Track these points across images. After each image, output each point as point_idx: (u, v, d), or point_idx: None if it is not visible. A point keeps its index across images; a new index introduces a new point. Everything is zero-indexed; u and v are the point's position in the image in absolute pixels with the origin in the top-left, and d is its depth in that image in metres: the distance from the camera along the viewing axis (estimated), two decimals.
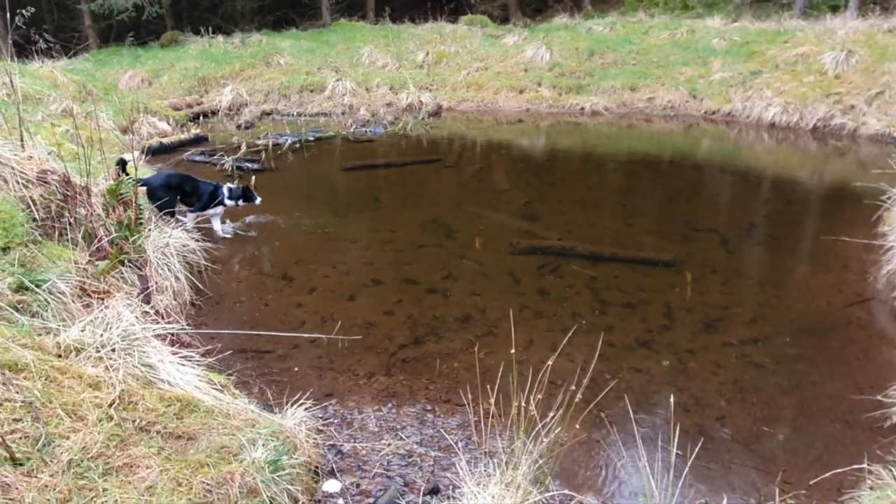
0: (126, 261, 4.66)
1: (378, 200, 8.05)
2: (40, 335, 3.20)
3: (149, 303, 4.38)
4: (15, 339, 2.96)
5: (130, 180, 5.31)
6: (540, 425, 2.83)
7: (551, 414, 2.83)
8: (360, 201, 8.09)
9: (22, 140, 5.21)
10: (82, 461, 2.43)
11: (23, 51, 11.59)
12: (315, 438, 3.37)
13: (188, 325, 4.54)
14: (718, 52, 14.03)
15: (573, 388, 2.86)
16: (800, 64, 12.65)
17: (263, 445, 2.87)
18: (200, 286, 5.24)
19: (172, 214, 6.10)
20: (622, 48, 15.05)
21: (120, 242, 4.71)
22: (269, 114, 13.22)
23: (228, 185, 6.56)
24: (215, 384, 3.47)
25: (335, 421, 3.74)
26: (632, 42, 15.30)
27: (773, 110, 11.82)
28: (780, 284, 5.60)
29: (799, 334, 4.76)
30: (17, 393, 2.59)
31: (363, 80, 14.37)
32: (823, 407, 3.93)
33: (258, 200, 6.61)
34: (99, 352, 3.13)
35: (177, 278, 4.98)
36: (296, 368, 4.27)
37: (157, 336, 3.68)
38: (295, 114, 13.20)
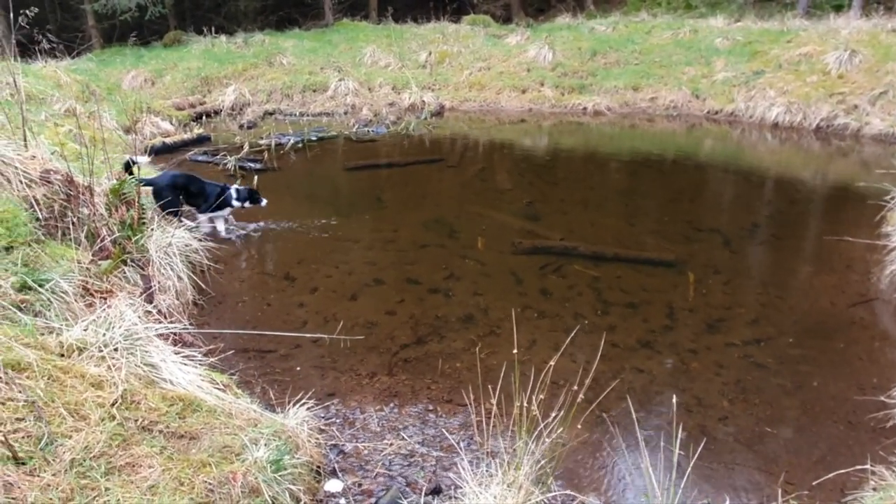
0: (129, 260, 4.66)
1: (380, 200, 8.05)
2: (43, 334, 3.21)
3: (151, 302, 4.39)
4: (18, 338, 2.96)
5: (134, 180, 5.32)
6: (542, 425, 2.83)
7: (553, 414, 2.83)
8: (363, 201, 8.09)
9: (25, 140, 5.22)
10: (84, 460, 2.44)
11: (26, 51, 11.63)
12: (317, 438, 3.37)
13: (190, 324, 4.54)
14: (721, 51, 14.01)
15: (575, 388, 2.86)
16: (803, 64, 12.62)
17: (265, 445, 2.88)
18: (203, 286, 5.24)
19: (177, 215, 6.10)
20: (625, 48, 15.04)
21: (123, 242, 4.72)
22: (271, 113, 13.24)
23: (235, 186, 6.56)
24: (217, 384, 3.47)
25: (337, 421, 3.74)
26: (634, 42, 15.28)
27: (776, 110, 11.80)
28: (783, 285, 5.59)
29: (802, 335, 4.75)
30: (20, 392, 2.59)
31: (366, 79, 14.38)
32: (826, 408, 3.92)
33: (264, 202, 6.62)
34: (101, 351, 3.13)
35: (179, 278, 4.99)
36: (298, 368, 4.28)
37: (160, 335, 3.69)
38: (297, 114, 13.21)
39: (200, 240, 5.57)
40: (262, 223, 6.79)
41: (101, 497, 2.33)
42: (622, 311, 5.07)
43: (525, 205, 7.70)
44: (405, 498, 3.09)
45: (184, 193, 6.23)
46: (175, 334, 3.97)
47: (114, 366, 3.05)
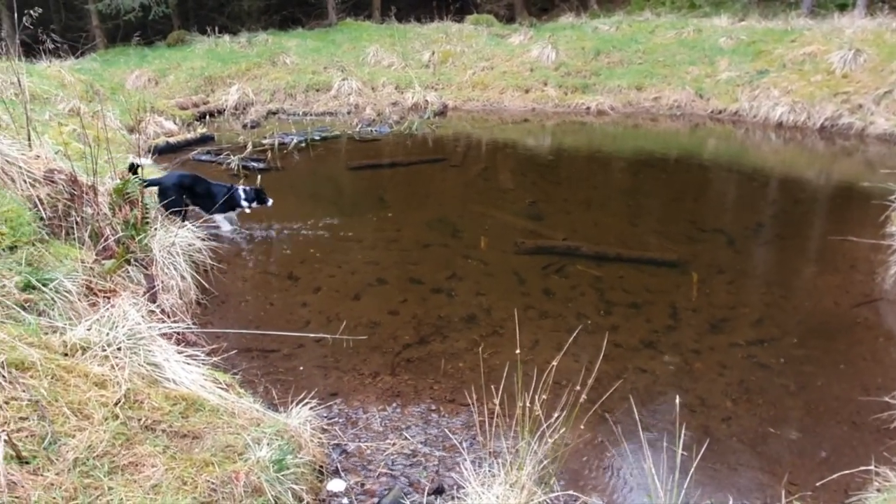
0: (132, 260, 4.68)
1: (383, 200, 8.05)
2: (47, 334, 3.21)
3: (154, 302, 4.40)
4: (21, 337, 2.97)
5: (137, 180, 5.33)
6: (545, 425, 2.83)
7: (556, 414, 2.82)
8: (366, 201, 8.09)
9: (29, 139, 5.24)
10: (88, 459, 2.44)
11: (31, 50, 11.67)
12: (320, 438, 3.38)
13: (194, 324, 4.55)
14: (725, 51, 13.97)
15: (578, 388, 2.86)
16: (807, 63, 12.58)
17: (268, 444, 2.88)
18: (206, 285, 5.25)
19: (183, 215, 6.10)
20: (628, 47, 15.01)
21: (126, 241, 4.73)
22: (274, 113, 13.25)
23: (243, 186, 6.56)
24: (220, 383, 3.48)
25: (340, 420, 3.74)
26: (638, 41, 15.25)
27: (780, 110, 11.76)
28: (787, 285, 5.57)
29: (806, 335, 4.73)
30: (24, 391, 2.60)
31: (369, 79, 14.38)
32: (830, 408, 3.91)
33: (270, 202, 6.63)
34: (105, 350, 3.14)
35: (182, 277, 5.00)
36: (301, 368, 4.28)
37: (163, 335, 3.69)
38: (301, 113, 13.22)
39: (203, 239, 5.57)
40: (264, 223, 6.79)
41: (105, 496, 2.33)
42: (625, 311, 5.06)
43: (528, 204, 7.69)
44: (408, 498, 3.09)
45: (190, 194, 6.23)
46: (178, 334, 3.98)
47: (117, 365, 3.05)
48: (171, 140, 10.36)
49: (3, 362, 2.65)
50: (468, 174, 9.23)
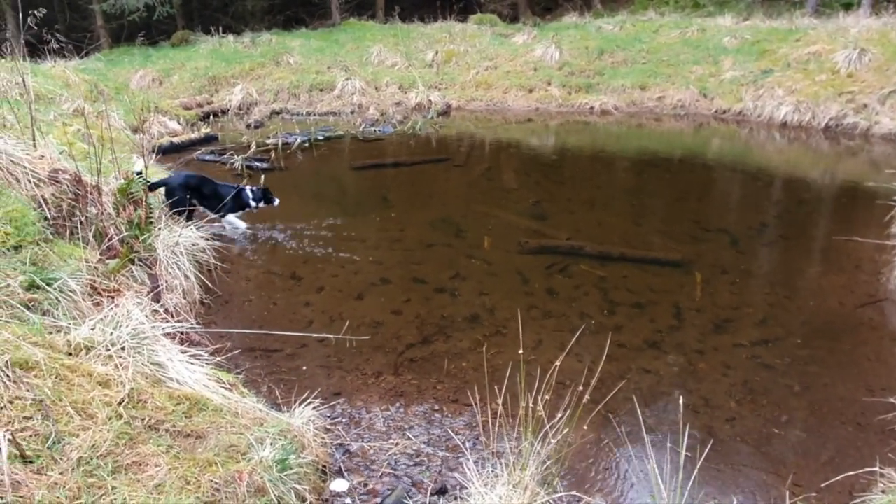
0: (136, 259, 4.69)
1: (387, 199, 8.05)
2: (51, 333, 3.22)
3: (158, 301, 4.40)
4: (26, 337, 2.98)
5: (141, 180, 5.34)
6: (548, 426, 2.82)
7: (559, 415, 2.82)
8: (369, 200, 8.09)
9: (34, 139, 5.25)
10: (92, 459, 2.45)
11: (35, 50, 11.71)
12: (323, 437, 3.38)
13: (197, 323, 4.56)
14: (729, 50, 13.94)
15: (581, 388, 2.85)
16: (812, 62, 12.54)
17: (271, 444, 2.88)
18: (210, 285, 5.26)
19: (190, 215, 6.11)
20: (632, 47, 14.99)
21: (130, 241, 4.74)
22: (278, 113, 13.26)
23: (250, 186, 6.59)
24: (224, 383, 3.48)
25: (343, 420, 3.74)
26: (642, 41, 15.23)
27: (784, 109, 11.73)
28: (791, 285, 5.55)
29: (810, 335, 4.72)
30: (28, 391, 2.61)
31: (372, 79, 14.38)
32: (835, 409, 3.89)
33: (276, 202, 6.65)
34: (109, 350, 3.15)
35: (186, 277, 5.00)
36: (304, 367, 4.28)
37: (167, 335, 3.70)
38: (304, 113, 13.23)
39: (207, 239, 5.58)
40: (268, 222, 6.80)
41: (108, 495, 2.34)
42: (629, 311, 5.05)
43: (531, 204, 7.68)
44: (411, 498, 3.09)
45: (197, 194, 6.24)
46: (182, 333, 3.98)
47: (121, 365, 3.06)
48: (175, 140, 10.39)
49: (7, 362, 2.67)
50: (472, 174, 9.22)
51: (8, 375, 2.62)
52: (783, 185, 8.79)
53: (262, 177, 7.45)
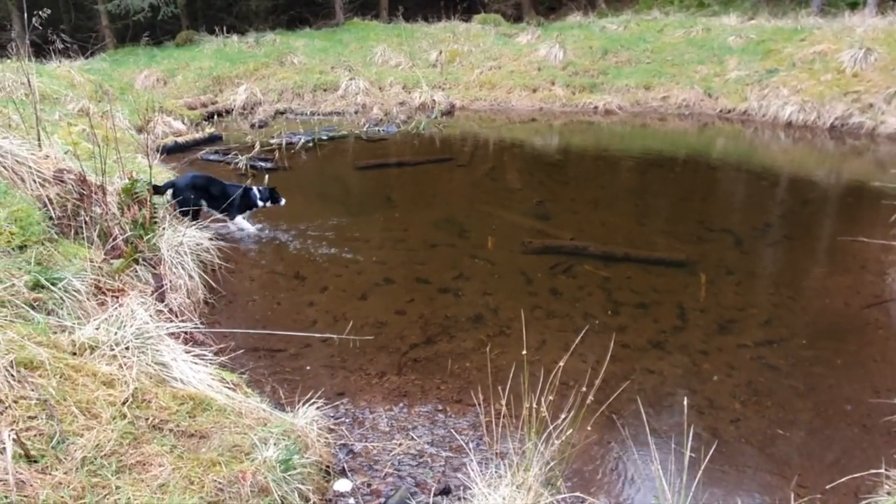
0: (140, 259, 4.70)
1: (391, 199, 8.05)
2: (55, 333, 3.23)
3: (163, 301, 4.41)
4: (31, 336, 2.99)
5: (143, 181, 5.35)
6: (551, 427, 2.82)
7: (563, 415, 2.81)
8: (373, 200, 8.10)
9: (39, 139, 5.27)
10: (96, 459, 2.45)
11: (41, 51, 11.75)
12: (326, 437, 3.38)
13: (201, 323, 4.56)
14: (734, 50, 13.90)
15: (585, 389, 2.84)
16: (817, 62, 12.50)
17: (275, 444, 2.88)
18: (214, 284, 5.27)
19: (196, 215, 6.11)
20: (636, 46, 14.96)
21: (134, 241, 4.75)
22: (282, 113, 13.28)
23: (257, 186, 6.61)
24: (228, 383, 3.49)
25: (346, 420, 3.74)
26: (646, 40, 15.20)
27: (789, 109, 11.70)
28: (796, 285, 5.53)
29: (815, 336, 4.70)
30: (33, 391, 2.61)
31: (376, 79, 14.39)
32: (840, 410, 3.87)
33: (283, 202, 6.66)
34: (113, 350, 3.15)
35: (190, 277, 5.01)
36: (308, 367, 4.28)
37: (171, 334, 3.71)
38: (308, 113, 13.25)
39: (211, 239, 5.59)
40: (272, 222, 6.81)
41: (112, 495, 2.34)
42: (632, 312, 5.04)
43: (535, 204, 7.67)
44: (414, 498, 3.08)
45: (205, 195, 6.25)
46: (186, 333, 3.99)
47: (125, 364, 3.07)
48: (180, 140, 10.41)
49: (12, 361, 2.67)
50: (475, 174, 9.22)
51: (13, 375, 2.62)
52: (788, 185, 8.76)
53: (267, 177, 7.47)
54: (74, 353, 3.07)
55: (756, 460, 3.47)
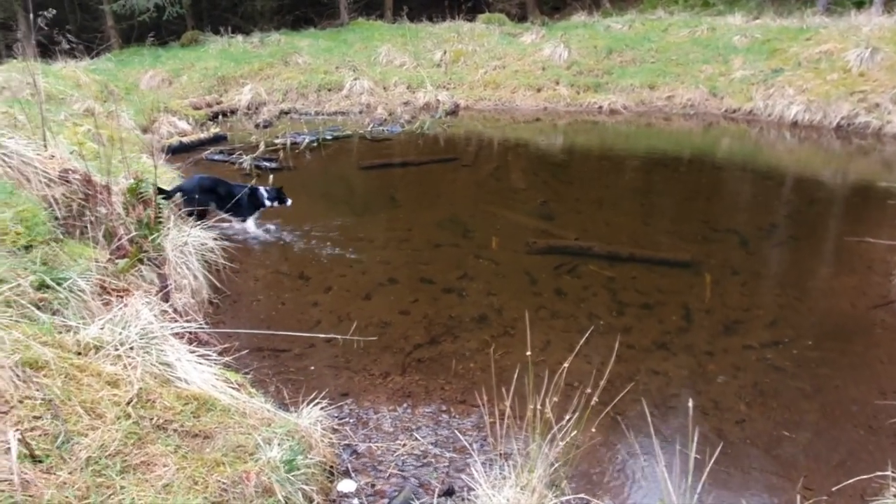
0: (145, 259, 4.70)
1: (395, 199, 8.05)
2: (60, 333, 3.23)
3: (167, 301, 4.42)
4: (36, 336, 2.99)
5: (148, 181, 5.36)
6: (556, 428, 2.81)
7: (567, 416, 2.80)
8: (377, 200, 8.10)
9: (45, 139, 5.29)
10: (100, 459, 2.46)
11: (47, 51, 11.80)
12: (330, 438, 3.38)
13: (206, 323, 4.57)
14: (739, 49, 13.85)
15: (590, 390, 2.83)
16: (823, 61, 12.43)
17: (279, 445, 2.88)
18: (218, 284, 5.27)
19: (202, 216, 6.12)
20: (641, 46, 14.92)
21: (139, 241, 4.75)
22: (287, 113, 13.29)
23: (264, 187, 6.62)
24: (232, 383, 3.49)
25: (350, 420, 3.74)
26: (651, 40, 15.15)
27: (795, 108, 11.64)
28: (802, 286, 5.51)
29: (821, 337, 4.67)
30: (38, 390, 2.62)
31: (381, 79, 14.39)
32: (846, 412, 3.85)
33: (289, 202, 6.67)
34: (118, 350, 3.15)
35: (195, 277, 5.02)
36: (312, 367, 4.29)
37: (175, 334, 3.71)
38: (313, 113, 13.25)
39: (216, 238, 5.60)
40: (276, 222, 6.82)
41: (117, 495, 2.34)
42: (637, 312, 5.02)
43: (539, 204, 7.66)
44: (418, 499, 3.08)
45: (214, 196, 6.26)
46: (190, 333, 3.99)
47: (130, 364, 3.07)
48: (185, 140, 10.44)
49: (17, 361, 2.68)
50: (480, 174, 9.21)
51: (18, 375, 2.63)
52: (793, 185, 8.72)
53: (271, 176, 7.48)
54: (79, 353, 3.08)
55: (762, 462, 3.45)
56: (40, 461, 2.35)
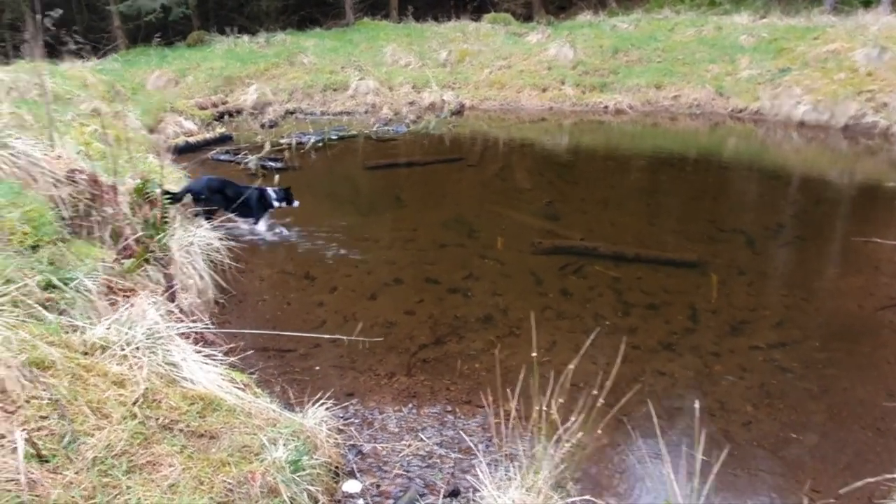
0: (151, 259, 4.71)
1: (400, 199, 8.05)
2: (67, 333, 3.24)
3: (173, 301, 4.42)
4: (43, 336, 3.00)
5: (154, 181, 5.37)
6: (561, 429, 2.80)
7: (573, 418, 2.79)
8: (383, 200, 8.10)
9: (52, 140, 5.31)
10: (106, 458, 2.46)
11: (54, 51, 11.84)
12: (336, 438, 3.38)
13: (212, 323, 4.58)
14: (746, 49, 13.80)
15: (595, 391, 2.82)
16: (830, 61, 12.37)
17: (284, 445, 2.89)
18: (224, 284, 5.28)
19: (210, 216, 6.13)
20: (647, 45, 14.88)
21: (146, 241, 4.76)
22: (292, 113, 13.31)
23: (272, 187, 6.63)
24: (237, 383, 3.49)
25: (356, 421, 3.74)
26: (657, 39, 15.11)
27: (802, 108, 11.59)
28: (809, 287, 5.48)
29: (828, 338, 4.65)
30: (44, 390, 2.63)
31: (386, 79, 14.39)
32: (853, 413, 3.83)
33: (296, 203, 6.69)
34: (124, 350, 3.16)
35: (201, 277, 5.03)
36: (317, 368, 4.29)
37: (181, 334, 3.71)
38: (318, 113, 13.27)
39: (222, 239, 5.61)
40: (282, 222, 6.83)
41: (123, 495, 2.35)
42: (643, 313, 5.01)
43: (545, 204, 7.65)
44: (423, 500, 3.08)
45: (222, 197, 6.27)
46: (196, 333, 4.00)
47: (136, 364, 3.08)
48: (191, 140, 10.47)
49: (24, 361, 2.69)
50: (485, 174, 9.20)
51: (25, 375, 2.64)
52: (800, 185, 8.68)
53: (277, 176, 7.49)
54: (86, 353, 3.09)
55: (768, 464, 3.43)
56: (47, 461, 2.36)
